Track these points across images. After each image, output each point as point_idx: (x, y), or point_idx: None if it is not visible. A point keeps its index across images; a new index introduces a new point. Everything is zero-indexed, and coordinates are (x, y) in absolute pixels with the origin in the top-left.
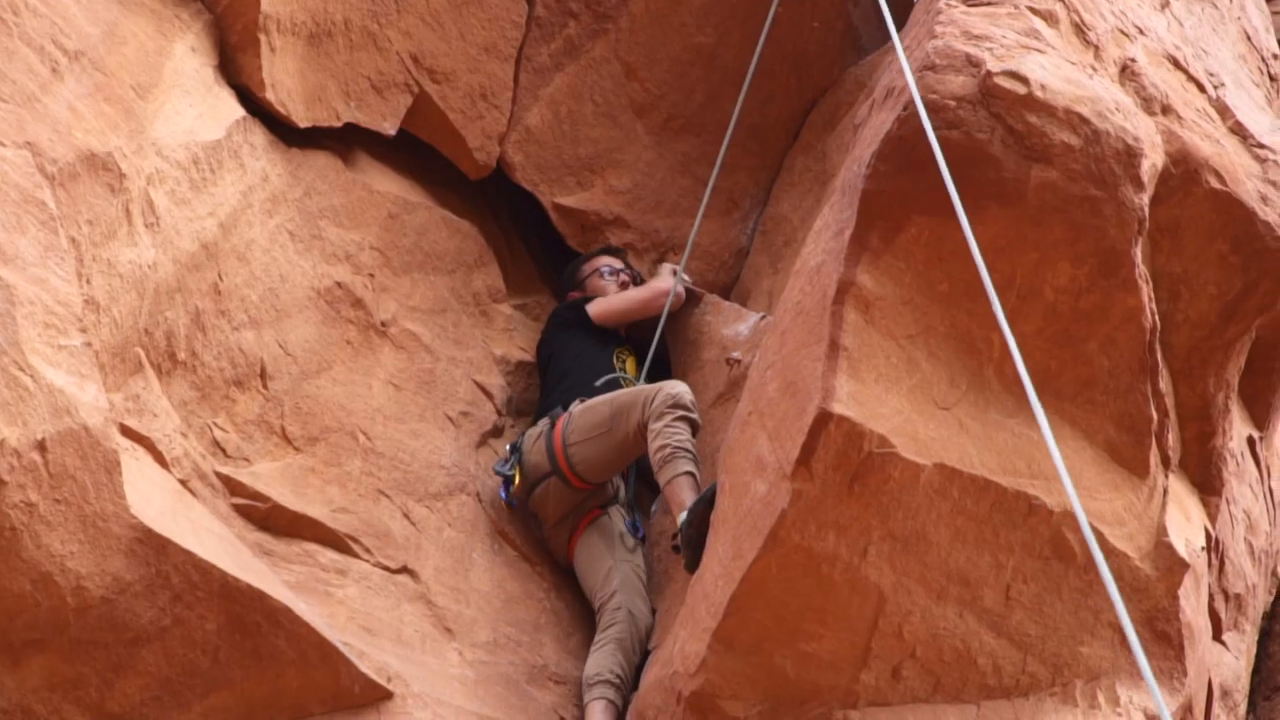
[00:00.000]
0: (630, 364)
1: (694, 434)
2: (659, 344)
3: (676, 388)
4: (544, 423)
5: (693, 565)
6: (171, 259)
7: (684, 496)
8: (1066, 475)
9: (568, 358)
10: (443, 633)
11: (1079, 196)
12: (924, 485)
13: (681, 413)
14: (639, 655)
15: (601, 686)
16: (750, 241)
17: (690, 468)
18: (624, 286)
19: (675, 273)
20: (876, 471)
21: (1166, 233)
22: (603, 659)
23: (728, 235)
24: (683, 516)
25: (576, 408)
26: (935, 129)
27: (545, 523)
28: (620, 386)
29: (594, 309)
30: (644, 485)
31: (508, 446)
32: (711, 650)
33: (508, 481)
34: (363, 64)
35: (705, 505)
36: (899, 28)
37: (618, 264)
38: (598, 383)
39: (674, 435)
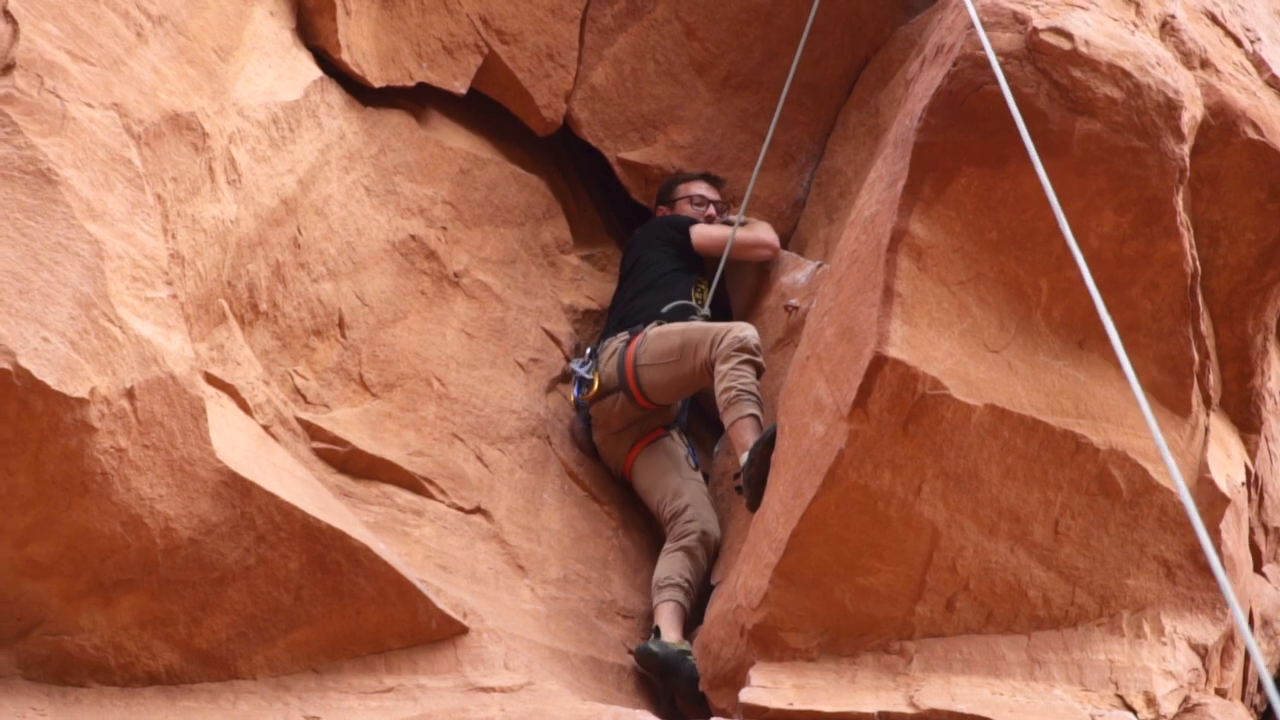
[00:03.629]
0: (705, 295)
1: (758, 376)
2: (720, 286)
3: (744, 331)
4: (621, 337)
5: (754, 504)
6: (253, 214)
7: (747, 438)
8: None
9: (650, 273)
10: (515, 570)
11: (1122, 147)
12: (975, 425)
13: (747, 356)
14: (708, 565)
15: (670, 590)
16: (807, 193)
17: (754, 410)
18: (708, 220)
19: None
20: (930, 412)
21: (1206, 182)
22: (672, 564)
23: (785, 188)
24: (744, 457)
25: (652, 330)
26: (984, 84)
27: (603, 430)
28: (688, 314)
29: (697, 235)
30: (702, 423)
31: (587, 349)
32: (773, 585)
33: (583, 384)
34: (434, 26)
35: (766, 446)
36: None
37: (713, 195)
38: (665, 309)
39: (739, 378)
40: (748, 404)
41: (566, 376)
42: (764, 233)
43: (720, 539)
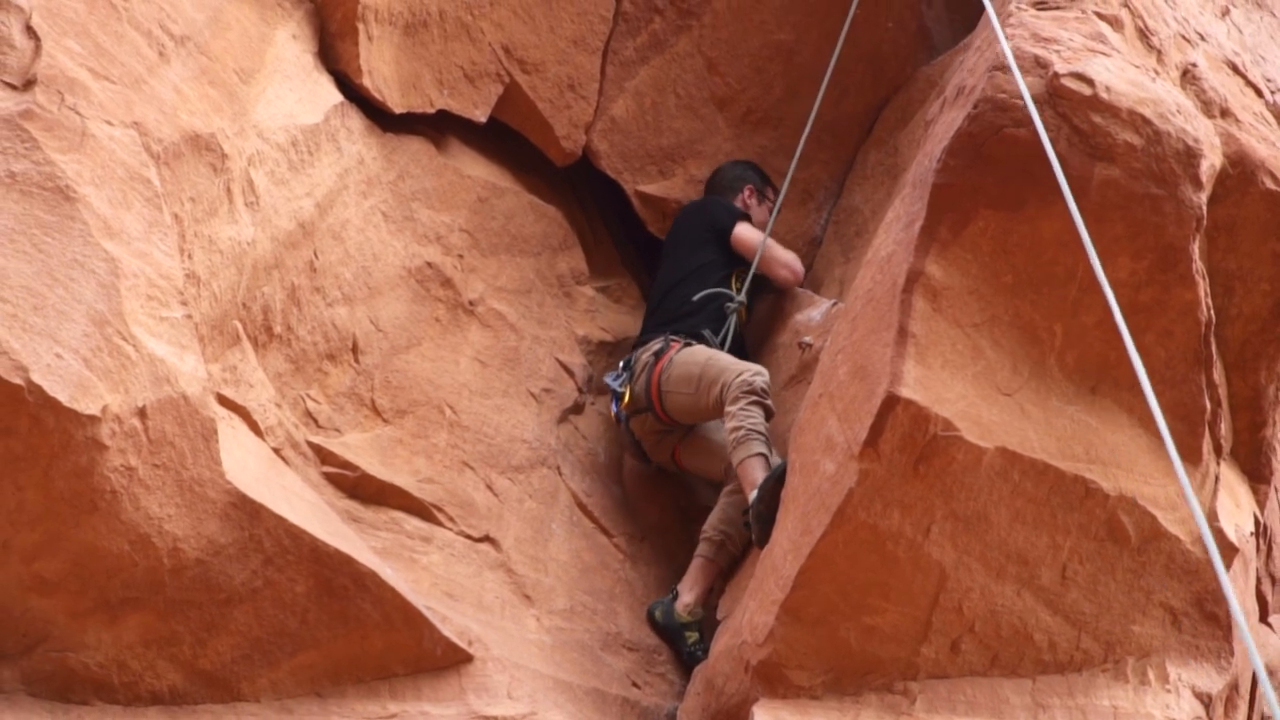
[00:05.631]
0: (742, 284)
1: (767, 418)
2: (738, 323)
3: (755, 376)
4: (652, 351)
5: (762, 540)
6: (270, 237)
7: (755, 475)
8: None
9: (684, 267)
10: (522, 600)
11: (1140, 194)
12: (986, 468)
13: (755, 398)
14: None
15: (703, 544)
16: (824, 231)
17: (762, 449)
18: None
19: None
20: (941, 453)
21: (1223, 230)
22: (713, 515)
23: (802, 225)
24: (754, 494)
25: (679, 355)
26: (1004, 127)
27: (644, 443)
28: (722, 302)
29: (739, 232)
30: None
31: (621, 363)
32: (779, 621)
33: (618, 397)
34: (456, 54)
35: (775, 483)
36: (971, 29)
37: (771, 194)
38: (695, 297)
39: (748, 418)
40: (756, 443)
41: (602, 389)
42: (794, 258)
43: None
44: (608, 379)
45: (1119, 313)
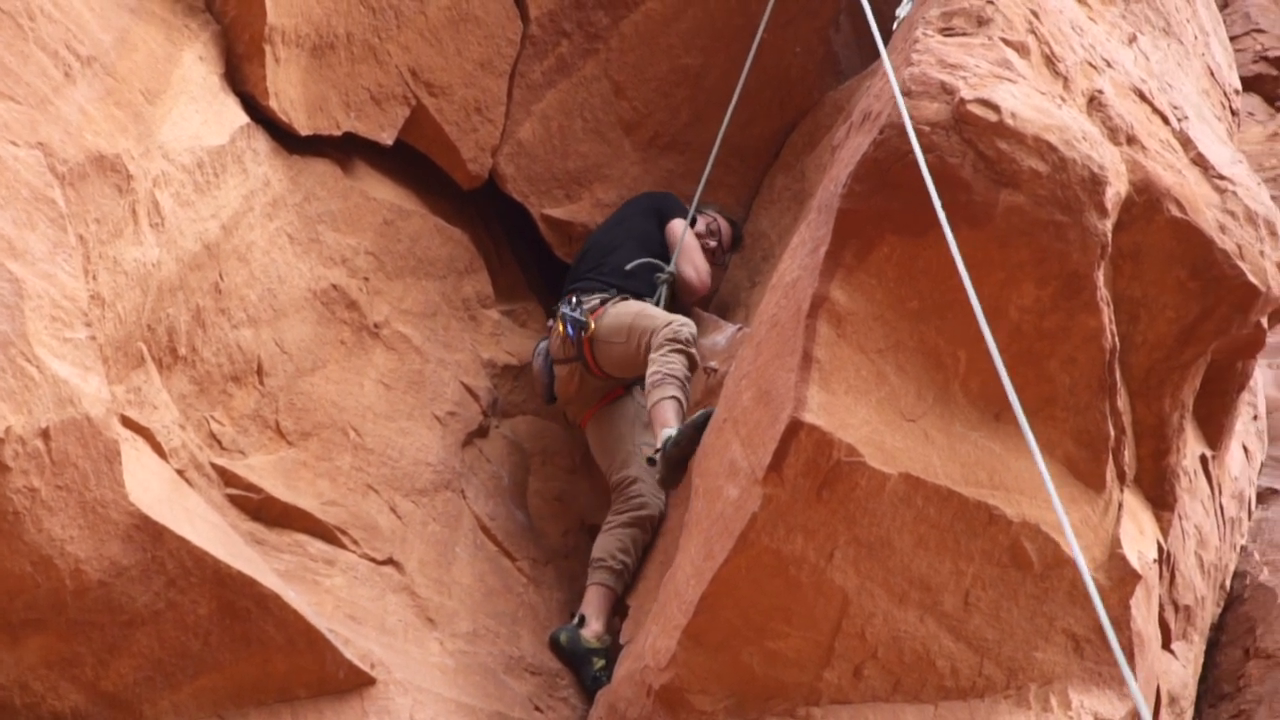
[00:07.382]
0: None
1: (691, 367)
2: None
3: (681, 328)
4: (595, 302)
5: (668, 482)
6: (175, 258)
7: (667, 416)
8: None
9: (633, 234)
10: (425, 623)
11: (1045, 221)
12: (889, 493)
13: (679, 346)
14: (648, 538)
15: (602, 571)
16: (730, 256)
17: (676, 393)
18: (707, 249)
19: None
20: (844, 479)
21: (1128, 258)
22: (609, 543)
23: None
24: (668, 433)
25: (612, 307)
26: (909, 153)
27: (564, 394)
28: (653, 272)
29: (675, 225)
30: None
31: (573, 299)
32: (681, 646)
33: (577, 325)
34: (363, 76)
35: (695, 430)
36: (878, 54)
37: (711, 243)
38: (630, 265)
39: (667, 364)
40: (670, 386)
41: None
42: (707, 271)
43: (663, 510)
44: (562, 307)
45: (993, 344)
